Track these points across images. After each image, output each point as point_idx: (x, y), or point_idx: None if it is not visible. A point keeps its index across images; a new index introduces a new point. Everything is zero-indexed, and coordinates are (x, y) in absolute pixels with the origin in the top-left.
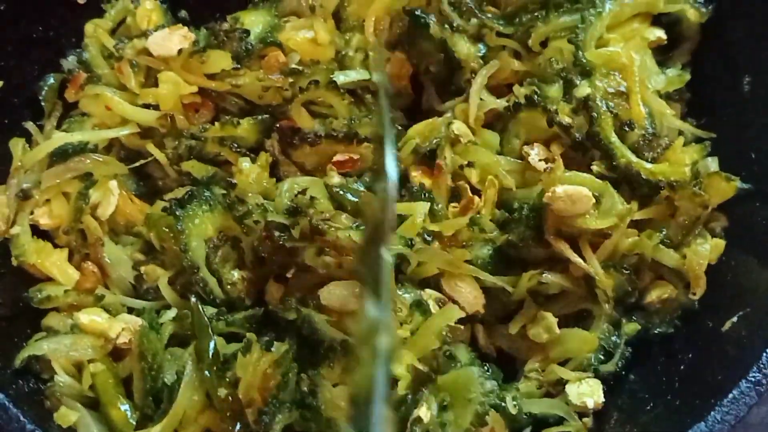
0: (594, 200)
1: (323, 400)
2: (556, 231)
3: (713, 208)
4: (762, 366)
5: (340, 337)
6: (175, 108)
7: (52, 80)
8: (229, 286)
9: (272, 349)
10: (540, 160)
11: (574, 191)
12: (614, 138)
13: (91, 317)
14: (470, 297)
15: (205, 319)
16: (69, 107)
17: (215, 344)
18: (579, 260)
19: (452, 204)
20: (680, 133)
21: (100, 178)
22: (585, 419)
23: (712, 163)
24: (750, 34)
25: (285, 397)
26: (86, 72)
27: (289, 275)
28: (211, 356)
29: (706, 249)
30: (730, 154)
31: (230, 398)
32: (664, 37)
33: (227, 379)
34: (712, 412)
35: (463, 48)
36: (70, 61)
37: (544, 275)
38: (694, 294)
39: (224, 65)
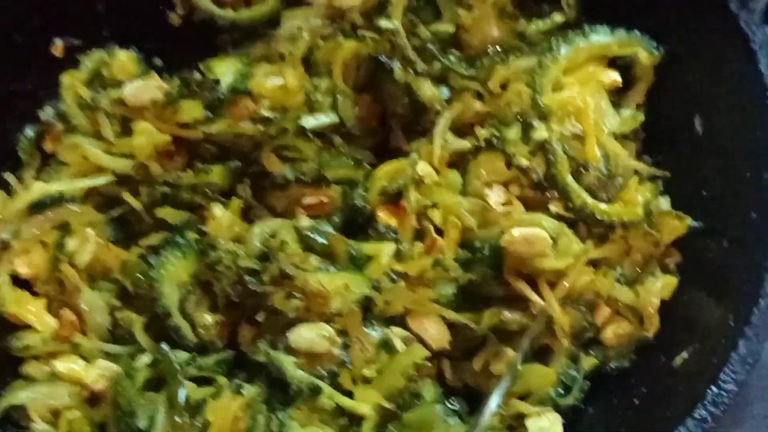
0: (551, 241)
1: None
2: (515, 271)
3: (666, 245)
4: (707, 404)
5: (306, 380)
6: (150, 156)
7: (30, 131)
8: (202, 330)
9: (243, 392)
10: (499, 203)
11: (530, 233)
12: (570, 180)
13: (67, 365)
14: (436, 334)
15: (176, 365)
16: (47, 158)
17: (185, 390)
18: (537, 299)
19: (417, 243)
20: (636, 172)
21: (77, 227)
22: None
23: (664, 202)
24: (701, 76)
25: None
26: (63, 122)
27: (260, 318)
28: (182, 402)
29: (658, 287)
30: (683, 192)
31: None
32: (619, 79)
33: (199, 425)
34: None
35: (427, 91)
36: (47, 112)
37: (504, 313)
38: (648, 331)
39: (196, 115)
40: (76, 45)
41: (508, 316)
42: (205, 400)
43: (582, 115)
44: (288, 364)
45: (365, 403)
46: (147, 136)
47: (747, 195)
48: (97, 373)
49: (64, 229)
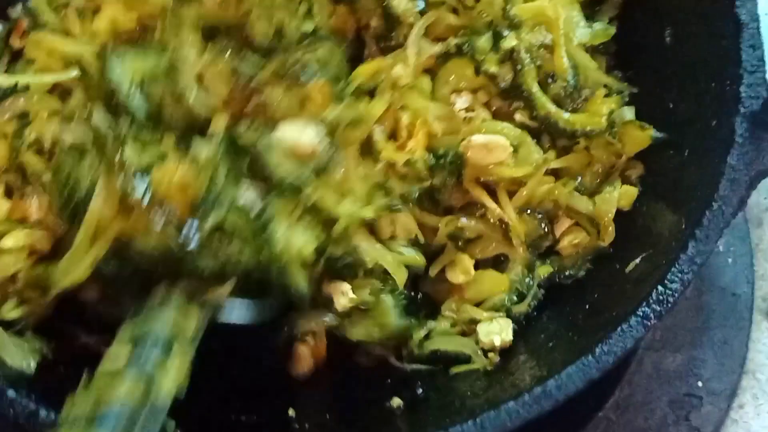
0: (511, 149)
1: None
2: (475, 178)
3: (629, 156)
4: (651, 301)
5: (292, 171)
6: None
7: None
8: None
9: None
10: (463, 109)
11: (490, 140)
12: (536, 89)
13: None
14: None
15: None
16: (17, 55)
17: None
18: (494, 206)
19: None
20: (604, 86)
21: (37, 118)
22: (491, 355)
23: (628, 113)
24: None
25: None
26: (32, 19)
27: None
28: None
29: (614, 197)
30: (651, 104)
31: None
32: None
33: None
34: (600, 345)
35: (400, 3)
36: (17, 11)
37: (461, 220)
38: (603, 241)
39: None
40: None
41: (465, 222)
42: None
43: (552, 26)
44: (274, 151)
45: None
46: (111, 21)
47: (708, 103)
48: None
49: (23, 119)
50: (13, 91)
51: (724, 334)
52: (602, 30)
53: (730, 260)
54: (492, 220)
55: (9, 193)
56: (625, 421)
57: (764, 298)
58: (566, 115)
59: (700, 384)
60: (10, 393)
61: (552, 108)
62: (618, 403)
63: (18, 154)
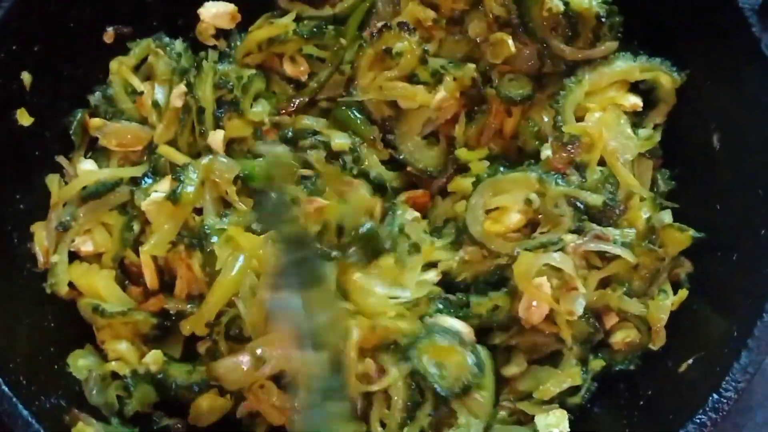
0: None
1: None
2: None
3: (672, 257)
4: (707, 409)
5: None
6: None
7: (80, 115)
8: None
9: None
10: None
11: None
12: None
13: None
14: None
15: None
16: (94, 140)
17: None
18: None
19: None
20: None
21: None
22: None
23: (666, 216)
24: (722, 95)
25: None
26: (110, 106)
27: None
28: None
29: (667, 305)
30: (698, 205)
31: None
32: (640, 103)
33: None
34: None
35: None
36: (96, 97)
37: (515, 340)
38: (654, 345)
39: None
40: (126, 33)
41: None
42: None
43: (594, 145)
44: None
45: None
46: None
47: (758, 212)
48: None
49: (126, 211)
50: (105, 186)
51: (765, 415)
52: (647, 137)
53: None
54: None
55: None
56: None
57: None
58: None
59: None
60: None
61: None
62: None
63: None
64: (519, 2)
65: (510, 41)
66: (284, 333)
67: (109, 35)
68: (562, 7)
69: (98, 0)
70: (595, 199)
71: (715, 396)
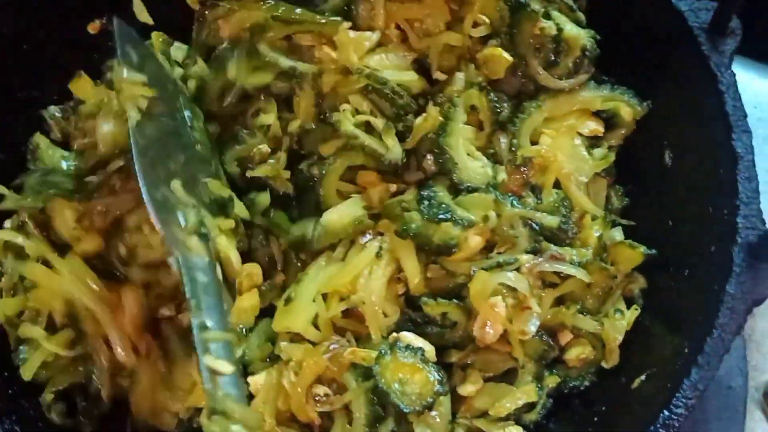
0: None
1: None
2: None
3: (625, 274)
4: (658, 426)
5: None
6: None
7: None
8: None
9: None
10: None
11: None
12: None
13: None
14: None
15: None
16: None
17: None
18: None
19: None
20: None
21: None
22: None
23: (617, 234)
24: (673, 113)
25: None
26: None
27: None
28: None
29: (623, 325)
30: (651, 222)
31: None
32: (601, 129)
33: None
34: None
35: None
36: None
37: (471, 358)
38: (607, 363)
39: None
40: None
41: (474, 357)
42: None
43: (549, 167)
44: None
45: None
46: None
47: (708, 228)
48: None
49: None
50: None
51: (721, 427)
52: (602, 158)
53: None
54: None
55: None
56: None
57: (757, 389)
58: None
59: None
60: None
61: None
62: None
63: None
64: (513, 12)
65: (505, 53)
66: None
67: (94, 26)
68: (554, 31)
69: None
70: (551, 221)
71: (666, 413)
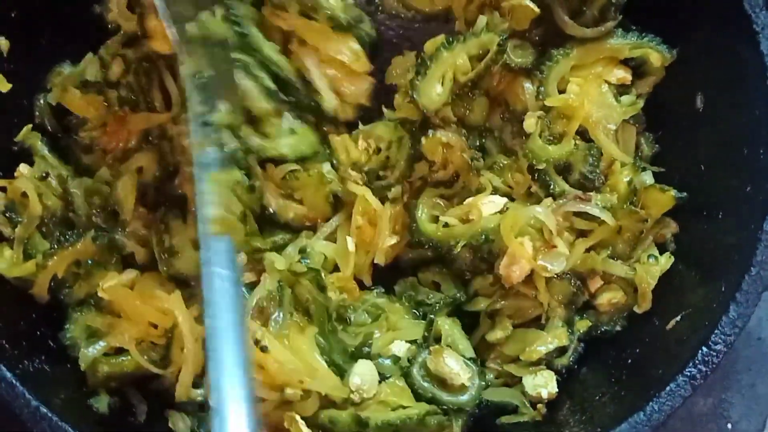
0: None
1: None
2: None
3: (655, 219)
4: (697, 362)
5: None
6: None
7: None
8: None
9: None
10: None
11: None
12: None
13: None
14: None
15: None
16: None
17: None
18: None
19: None
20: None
21: None
22: (539, 407)
23: (647, 177)
24: (705, 56)
25: None
26: None
27: None
28: None
29: (657, 270)
30: (682, 167)
31: None
32: (629, 77)
33: None
34: (651, 403)
35: None
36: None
37: (499, 304)
38: (640, 307)
39: None
40: None
41: (504, 303)
42: None
43: (574, 116)
44: None
45: None
46: None
47: (743, 169)
48: None
49: None
50: None
51: (751, 378)
52: (630, 105)
53: None
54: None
55: None
56: None
57: None
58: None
59: (729, 426)
60: None
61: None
62: None
63: None
64: None
65: (530, 2)
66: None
67: None
68: None
69: None
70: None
71: (705, 349)
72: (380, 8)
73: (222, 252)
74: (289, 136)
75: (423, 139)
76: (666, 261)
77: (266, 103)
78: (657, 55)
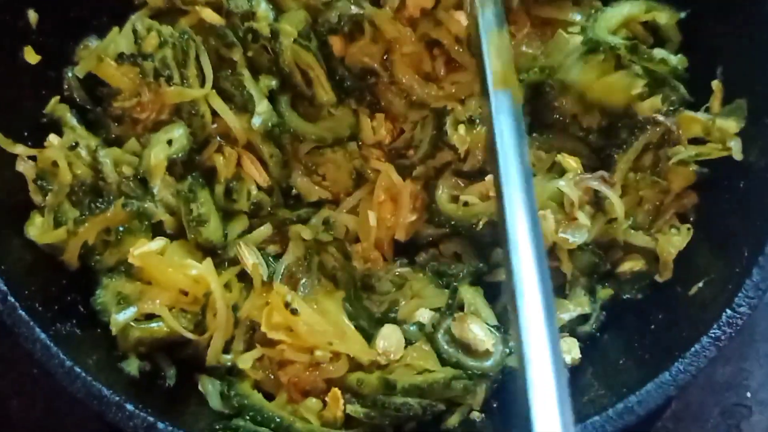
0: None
1: None
2: None
3: (677, 192)
4: (721, 324)
5: None
6: None
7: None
8: None
9: None
10: None
11: None
12: None
13: None
14: None
15: None
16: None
17: None
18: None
19: None
20: None
21: None
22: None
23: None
24: (723, 30)
25: None
26: None
27: None
28: None
29: (678, 241)
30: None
31: None
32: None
33: None
34: (676, 363)
35: None
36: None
37: None
38: (661, 276)
39: None
40: None
41: None
42: None
43: None
44: None
45: None
46: None
47: (764, 139)
48: None
49: None
50: None
51: None
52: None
53: None
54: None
55: None
56: (682, 430)
57: None
58: None
59: (748, 395)
60: (129, 407)
61: None
62: (675, 414)
63: None
64: None
65: None
66: None
67: None
68: None
69: None
70: None
71: (729, 311)
72: None
73: (506, 102)
74: (327, 119)
75: (449, 130)
76: (686, 233)
77: (332, 94)
78: (664, 15)
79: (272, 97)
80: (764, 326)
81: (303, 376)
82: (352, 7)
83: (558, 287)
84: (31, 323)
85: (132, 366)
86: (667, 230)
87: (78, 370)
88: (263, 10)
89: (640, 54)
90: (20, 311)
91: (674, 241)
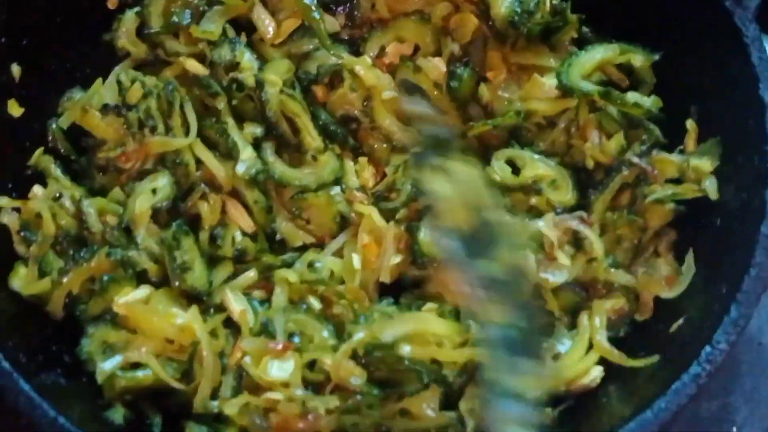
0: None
1: None
2: None
3: (655, 230)
4: (701, 361)
5: None
6: None
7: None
8: None
9: None
10: None
11: None
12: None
13: None
14: None
15: None
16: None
17: None
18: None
19: None
20: None
21: None
22: (548, 410)
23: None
24: (698, 70)
25: None
26: None
27: None
28: None
29: (658, 280)
30: None
31: None
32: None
33: None
34: (657, 401)
35: None
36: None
37: None
38: (641, 315)
39: None
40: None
41: None
42: None
43: None
44: None
45: None
46: None
47: (739, 177)
48: None
49: None
50: None
51: (753, 382)
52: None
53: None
54: None
55: None
56: None
57: None
58: None
59: (734, 429)
60: None
61: None
62: None
63: None
64: None
65: None
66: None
67: (112, 2)
68: None
69: None
70: None
71: (708, 348)
72: None
73: None
74: (312, 164)
75: None
76: (666, 268)
77: (319, 141)
78: (640, 58)
79: (257, 143)
80: (749, 361)
81: (293, 422)
82: (331, 57)
83: (545, 326)
84: (14, 375)
85: (117, 415)
86: (646, 268)
87: (62, 421)
88: (247, 60)
89: (613, 99)
90: (3, 363)
91: (653, 280)
